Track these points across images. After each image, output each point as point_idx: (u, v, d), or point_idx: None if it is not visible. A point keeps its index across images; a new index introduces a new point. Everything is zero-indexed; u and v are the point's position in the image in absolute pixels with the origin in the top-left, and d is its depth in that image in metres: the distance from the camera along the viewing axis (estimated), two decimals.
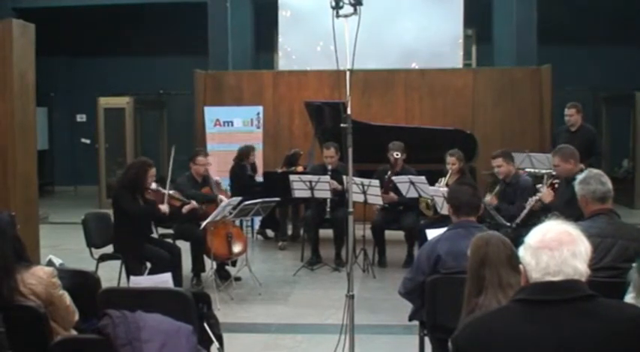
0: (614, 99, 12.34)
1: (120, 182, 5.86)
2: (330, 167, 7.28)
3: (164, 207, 5.84)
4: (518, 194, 5.97)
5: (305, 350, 4.89)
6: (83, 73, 14.51)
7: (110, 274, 5.85)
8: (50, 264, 5.10)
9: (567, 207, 4.64)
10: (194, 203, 6.18)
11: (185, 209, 6.14)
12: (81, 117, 14.70)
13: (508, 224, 5.65)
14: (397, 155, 7.10)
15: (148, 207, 5.80)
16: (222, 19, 11.91)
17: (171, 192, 6.05)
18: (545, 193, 5.58)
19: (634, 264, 2.96)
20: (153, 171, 5.77)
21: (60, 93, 14.55)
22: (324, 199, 7.08)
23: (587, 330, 1.86)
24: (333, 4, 3.91)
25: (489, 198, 6.02)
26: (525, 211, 5.63)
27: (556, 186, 5.71)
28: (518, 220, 5.63)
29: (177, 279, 5.57)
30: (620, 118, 12.13)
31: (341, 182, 7.02)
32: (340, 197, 7.08)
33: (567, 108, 7.92)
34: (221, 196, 6.55)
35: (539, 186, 5.86)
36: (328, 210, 7.10)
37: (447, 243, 3.64)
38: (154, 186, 5.87)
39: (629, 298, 2.88)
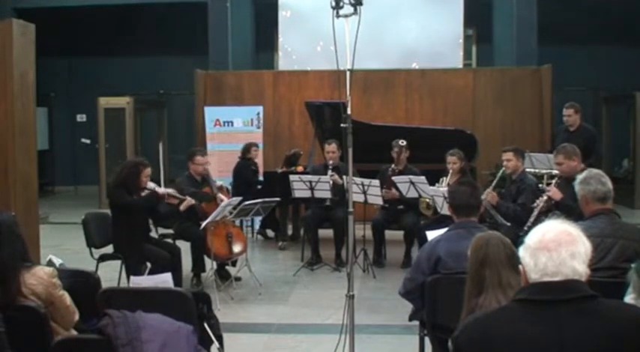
0: (614, 99, 12.34)
1: (114, 182, 5.84)
2: (331, 163, 7.29)
3: (162, 190, 5.80)
4: (521, 191, 5.95)
5: (305, 350, 4.89)
6: (83, 73, 14.52)
7: (110, 274, 5.85)
8: (50, 264, 5.11)
9: (575, 201, 4.60)
10: (190, 200, 6.16)
11: (183, 206, 6.12)
12: (81, 117, 14.70)
13: (508, 224, 5.63)
14: (402, 143, 7.11)
15: (147, 195, 5.78)
16: (222, 19, 11.91)
17: (168, 190, 6.04)
18: (553, 191, 5.52)
19: (633, 266, 2.96)
20: (148, 170, 5.73)
21: (60, 93, 14.56)
22: (324, 198, 7.09)
23: (587, 330, 1.86)
24: (333, 4, 3.91)
25: (488, 195, 5.95)
26: (534, 214, 5.57)
27: (556, 183, 5.68)
28: (529, 223, 5.57)
29: (177, 279, 5.57)
30: (620, 118, 12.13)
31: (341, 179, 7.03)
32: (340, 197, 7.08)
33: (565, 109, 7.92)
34: (221, 195, 6.51)
35: (541, 185, 5.84)
36: (328, 203, 7.10)
37: (447, 244, 3.64)
38: (150, 185, 5.85)
39: (629, 299, 2.88)
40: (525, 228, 5.53)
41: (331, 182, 7.01)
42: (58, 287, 3.30)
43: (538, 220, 5.51)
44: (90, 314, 3.48)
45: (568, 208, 5.16)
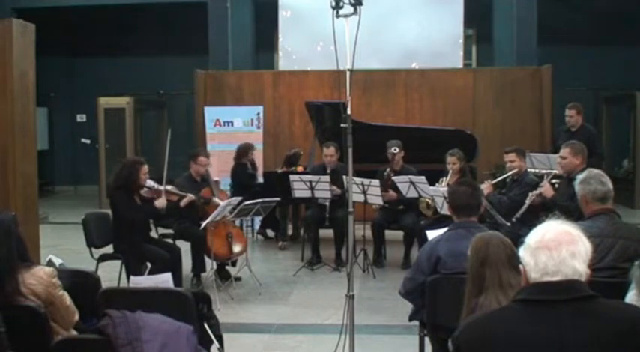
0: (614, 99, 12.35)
1: (114, 183, 5.85)
2: (329, 167, 7.29)
3: (160, 203, 5.82)
4: (518, 189, 5.97)
5: (305, 350, 4.89)
6: (83, 73, 14.51)
7: (110, 274, 5.85)
8: (50, 264, 5.11)
9: (572, 201, 4.64)
10: (191, 196, 6.16)
11: (183, 202, 6.11)
12: (81, 117, 14.70)
13: (508, 223, 5.64)
14: (395, 150, 7.12)
15: (145, 208, 5.79)
16: (222, 19, 11.92)
17: (168, 187, 6.04)
18: (546, 188, 5.57)
19: (636, 262, 2.96)
20: (145, 168, 5.76)
21: (60, 93, 14.54)
22: (325, 199, 7.08)
23: (588, 330, 1.86)
24: (333, 4, 3.91)
25: (486, 186, 6.01)
26: (525, 206, 5.62)
27: (556, 186, 5.71)
28: (517, 215, 5.63)
29: (177, 279, 5.57)
30: (620, 118, 12.14)
31: (341, 182, 7.02)
32: (340, 197, 7.08)
33: (568, 109, 7.92)
34: (216, 199, 6.49)
35: (540, 185, 5.86)
36: (327, 215, 7.10)
37: (447, 244, 3.64)
38: (149, 183, 5.86)
39: (631, 295, 2.88)
40: (513, 220, 5.59)
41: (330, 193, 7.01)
42: (58, 287, 3.30)
43: (529, 213, 5.56)
44: (90, 314, 3.48)
45: (560, 207, 5.20)
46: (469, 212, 3.74)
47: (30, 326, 3.12)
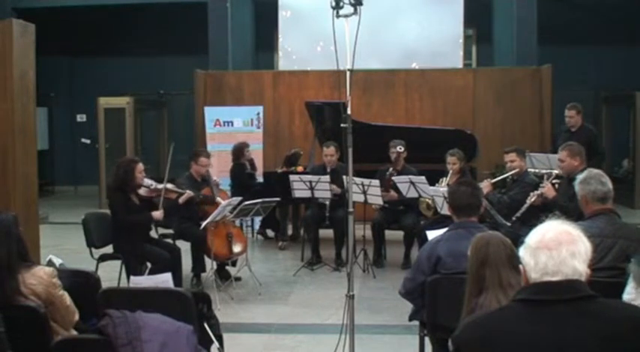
0: (614, 99, 12.35)
1: (114, 183, 5.86)
2: (329, 167, 7.29)
3: (157, 214, 5.84)
4: (518, 189, 5.97)
5: (305, 350, 4.89)
6: (83, 73, 14.53)
7: (110, 274, 5.85)
8: (50, 264, 5.11)
9: (571, 201, 4.66)
10: (190, 192, 6.16)
11: (182, 199, 6.12)
12: (81, 117, 14.70)
13: (508, 224, 5.64)
14: (400, 149, 7.12)
15: (141, 216, 5.80)
16: (222, 19, 11.92)
17: (168, 185, 6.04)
18: (547, 188, 5.58)
19: (633, 259, 2.97)
20: (140, 166, 5.77)
21: (60, 93, 14.56)
22: (324, 199, 7.08)
23: (587, 330, 1.86)
24: (334, 4, 3.91)
25: (485, 185, 6.01)
26: (525, 206, 5.63)
27: (556, 186, 5.71)
28: (518, 214, 5.64)
29: (177, 279, 5.57)
30: (620, 118, 12.14)
31: (341, 182, 7.02)
32: (340, 197, 7.08)
33: (567, 110, 7.90)
34: (219, 198, 6.51)
35: (541, 185, 5.86)
36: (327, 215, 7.10)
37: (447, 244, 3.64)
38: (147, 182, 5.87)
39: (629, 288, 2.88)
40: (514, 219, 5.60)
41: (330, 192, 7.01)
42: (58, 287, 3.31)
43: (529, 213, 5.56)
44: (90, 314, 3.48)
45: (561, 207, 5.21)
46: (469, 212, 3.74)
47: (30, 326, 3.12)
